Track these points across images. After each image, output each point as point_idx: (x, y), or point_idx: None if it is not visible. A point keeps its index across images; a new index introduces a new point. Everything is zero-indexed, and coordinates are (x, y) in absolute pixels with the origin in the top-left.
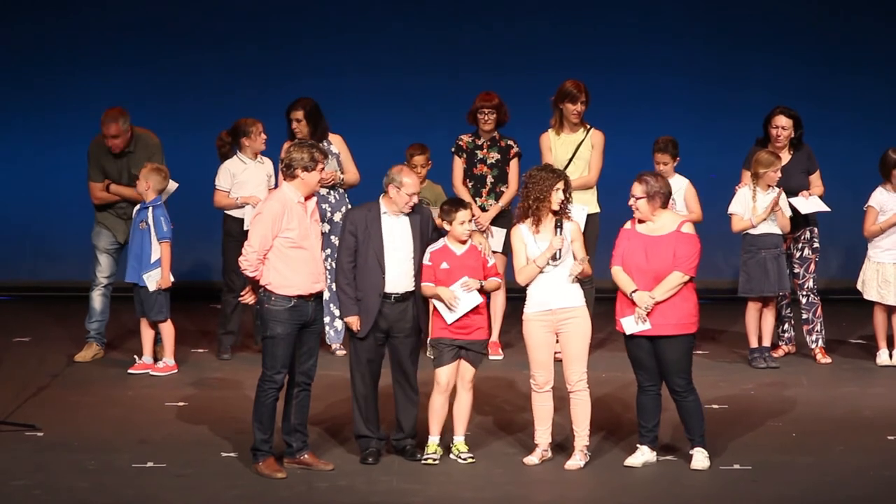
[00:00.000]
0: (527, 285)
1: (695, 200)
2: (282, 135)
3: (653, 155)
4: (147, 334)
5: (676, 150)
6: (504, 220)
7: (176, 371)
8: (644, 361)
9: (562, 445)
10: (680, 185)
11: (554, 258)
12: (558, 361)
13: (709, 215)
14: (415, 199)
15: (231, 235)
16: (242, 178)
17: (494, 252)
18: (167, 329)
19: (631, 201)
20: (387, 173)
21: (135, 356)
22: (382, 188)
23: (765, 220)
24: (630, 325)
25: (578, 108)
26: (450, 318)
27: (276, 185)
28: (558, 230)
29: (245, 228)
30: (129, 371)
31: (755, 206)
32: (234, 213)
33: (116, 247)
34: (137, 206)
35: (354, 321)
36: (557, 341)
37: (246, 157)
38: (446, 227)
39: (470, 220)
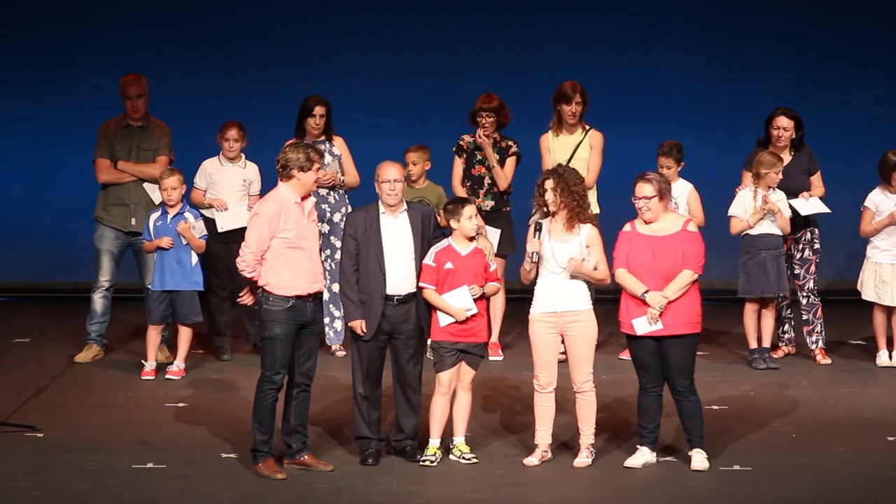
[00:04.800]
0: (532, 284)
1: (698, 205)
2: (279, 136)
3: (657, 158)
4: (155, 340)
5: (681, 154)
6: (502, 222)
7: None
8: (648, 362)
9: (564, 446)
10: (683, 190)
11: (532, 259)
12: (562, 363)
13: (709, 216)
14: (397, 186)
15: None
16: (216, 178)
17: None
18: (190, 333)
19: (641, 203)
20: None
21: (143, 362)
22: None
23: (761, 218)
24: (643, 325)
25: (574, 108)
26: (444, 320)
27: (262, 190)
28: (537, 233)
29: (222, 230)
30: (143, 377)
31: (755, 207)
32: (208, 213)
33: (120, 248)
34: (159, 214)
35: (358, 325)
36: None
37: (224, 159)
38: (454, 225)
39: (476, 215)
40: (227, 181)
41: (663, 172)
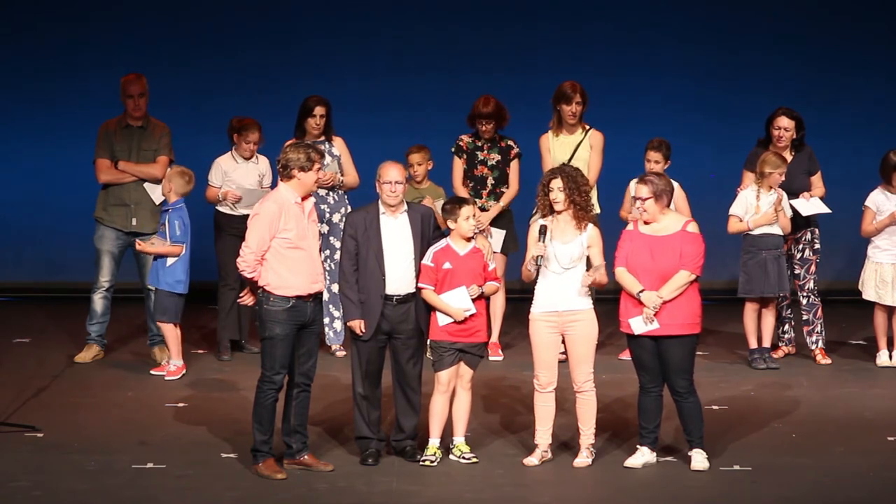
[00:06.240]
0: (532, 284)
1: (685, 204)
2: (279, 136)
3: (645, 153)
4: (169, 336)
5: (669, 151)
6: (504, 220)
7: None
8: (647, 362)
9: (564, 446)
10: None
11: (536, 262)
12: (562, 363)
13: (709, 216)
14: (398, 188)
15: (221, 230)
16: (233, 176)
17: (494, 253)
18: (171, 330)
19: (637, 204)
20: None
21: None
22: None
23: (762, 225)
24: (639, 325)
25: (573, 108)
26: (443, 320)
27: (273, 185)
28: (542, 236)
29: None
30: (166, 378)
31: (758, 206)
32: (223, 208)
33: (120, 248)
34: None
35: (357, 324)
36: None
37: (238, 156)
38: (451, 225)
39: (474, 216)
40: (244, 179)
41: (650, 167)
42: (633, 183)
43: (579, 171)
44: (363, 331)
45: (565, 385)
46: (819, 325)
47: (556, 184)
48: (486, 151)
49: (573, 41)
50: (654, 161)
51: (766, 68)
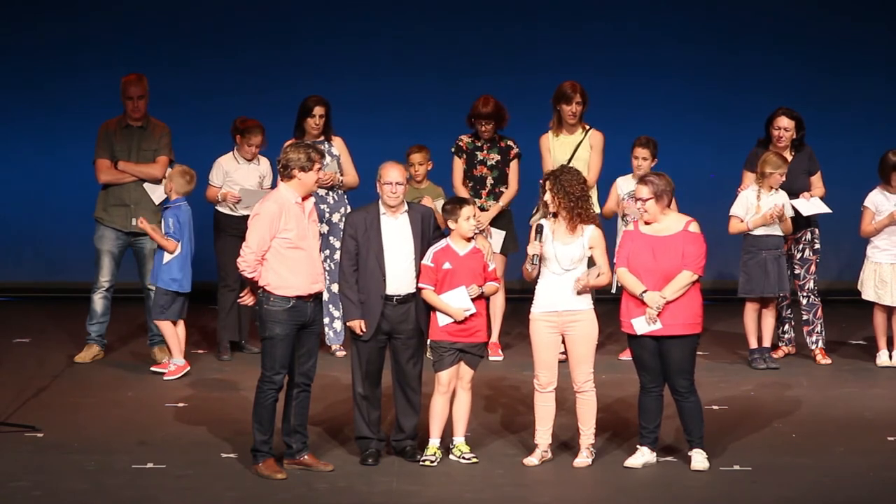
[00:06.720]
0: (532, 284)
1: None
2: (280, 136)
3: (632, 150)
4: (175, 333)
5: (656, 150)
6: (503, 221)
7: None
8: (648, 362)
9: (564, 446)
10: None
11: (532, 261)
12: (562, 363)
13: (708, 216)
14: (398, 189)
15: (221, 230)
16: (234, 176)
17: (493, 253)
18: (168, 328)
19: (637, 205)
20: None
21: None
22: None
23: (762, 226)
24: (641, 325)
25: (573, 108)
26: (443, 320)
27: (273, 186)
28: (538, 235)
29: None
30: (165, 377)
31: (759, 206)
32: (223, 208)
33: (120, 248)
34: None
35: (357, 325)
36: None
37: (240, 157)
38: (451, 225)
39: (474, 216)
40: (245, 180)
41: (638, 164)
42: (619, 180)
43: (572, 174)
44: (363, 331)
45: (565, 385)
46: (819, 325)
47: (547, 185)
48: (485, 151)
49: (573, 41)
50: (642, 157)
51: (766, 68)
